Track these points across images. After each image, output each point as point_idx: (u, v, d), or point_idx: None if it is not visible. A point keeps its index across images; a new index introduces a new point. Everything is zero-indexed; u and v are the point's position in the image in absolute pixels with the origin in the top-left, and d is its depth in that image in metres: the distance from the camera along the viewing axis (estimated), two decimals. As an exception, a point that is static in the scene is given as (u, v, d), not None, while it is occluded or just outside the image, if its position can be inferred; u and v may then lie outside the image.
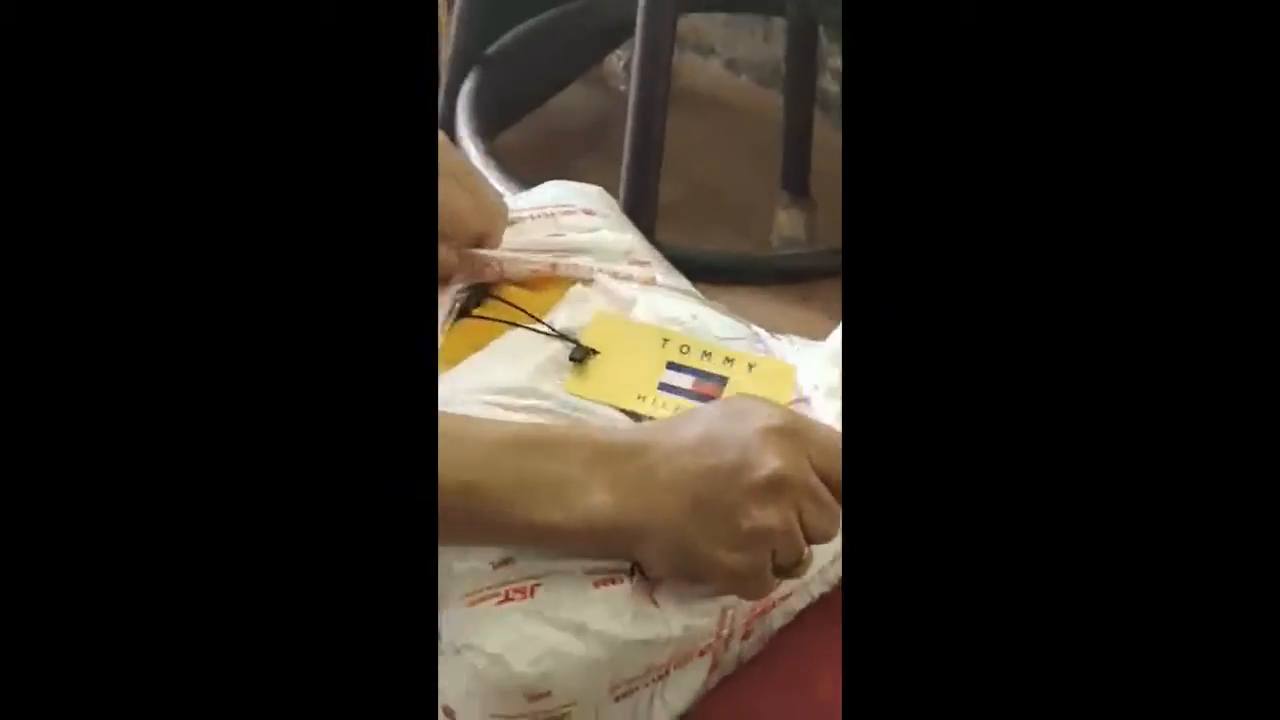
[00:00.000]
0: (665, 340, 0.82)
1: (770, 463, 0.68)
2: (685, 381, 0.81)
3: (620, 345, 0.82)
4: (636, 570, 0.73)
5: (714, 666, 0.76)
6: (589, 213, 0.92)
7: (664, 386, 0.81)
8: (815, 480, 0.69)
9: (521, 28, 1.78)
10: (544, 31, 1.81)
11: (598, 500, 0.70)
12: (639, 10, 1.40)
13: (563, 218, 0.90)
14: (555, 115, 1.98)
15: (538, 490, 0.70)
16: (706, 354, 0.82)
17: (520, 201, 0.93)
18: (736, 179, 1.88)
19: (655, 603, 0.72)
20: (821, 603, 0.78)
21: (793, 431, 0.70)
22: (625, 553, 0.72)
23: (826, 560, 0.76)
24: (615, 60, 2.20)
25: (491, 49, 1.73)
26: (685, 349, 0.82)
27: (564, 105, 2.01)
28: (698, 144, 1.87)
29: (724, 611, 0.74)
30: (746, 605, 0.74)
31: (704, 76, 2.10)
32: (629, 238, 0.92)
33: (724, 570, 0.70)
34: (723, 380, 0.81)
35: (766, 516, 0.68)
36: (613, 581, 0.72)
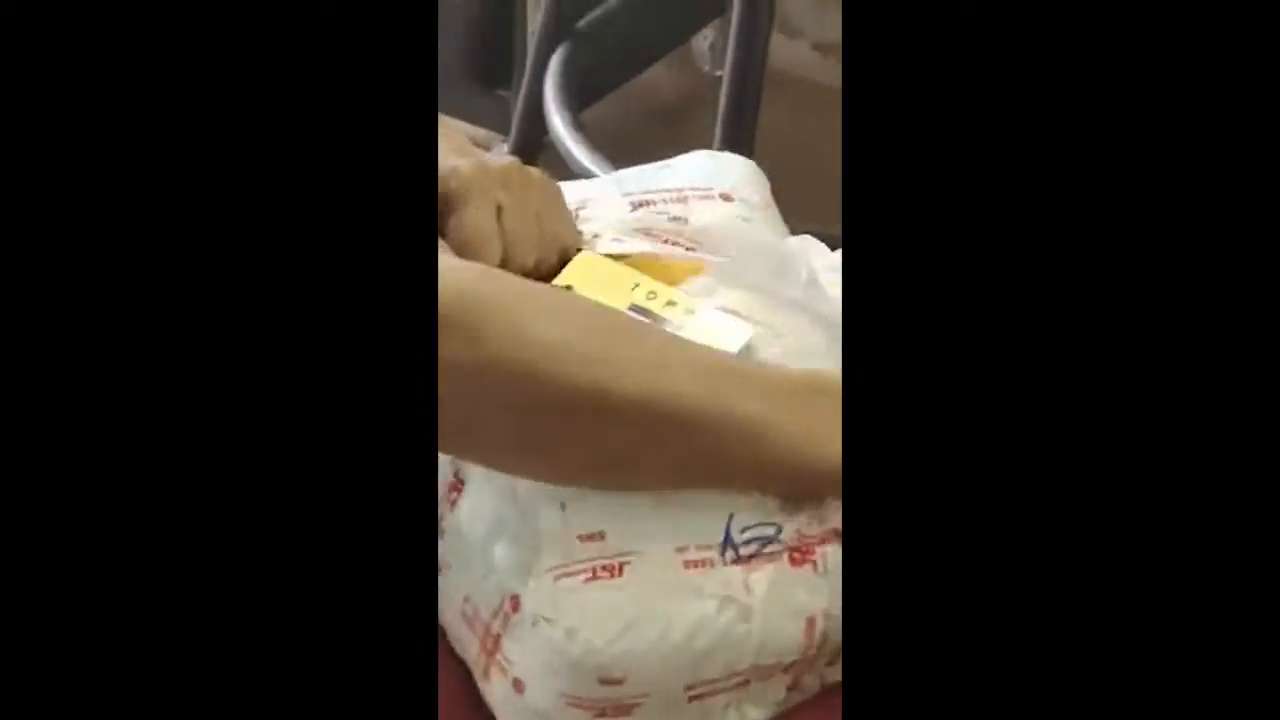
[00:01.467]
0: (636, 285, 0.81)
1: None
2: None
3: (593, 281, 0.81)
4: (729, 550, 0.72)
5: (793, 686, 0.75)
6: (726, 198, 0.89)
7: None
8: None
9: (612, 4, 1.78)
10: (635, 8, 1.80)
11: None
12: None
13: (695, 202, 0.88)
14: (639, 94, 1.97)
15: (828, 429, 0.71)
16: (671, 303, 0.81)
17: (655, 177, 0.91)
18: (823, 160, 1.87)
19: (748, 588, 0.72)
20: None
21: None
22: None
23: None
24: (702, 40, 2.19)
25: (582, 23, 1.72)
26: (652, 295, 0.81)
27: (648, 84, 2.00)
28: (784, 125, 1.85)
29: (809, 620, 0.73)
30: (837, 615, 0.73)
31: (792, 58, 2.08)
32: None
33: None
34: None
35: None
36: (704, 564, 0.72)
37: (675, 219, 0.86)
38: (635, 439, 0.70)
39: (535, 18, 1.74)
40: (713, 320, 0.79)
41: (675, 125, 1.91)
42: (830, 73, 2.07)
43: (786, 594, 0.72)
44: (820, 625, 0.73)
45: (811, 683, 0.75)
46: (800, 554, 0.73)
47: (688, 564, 0.72)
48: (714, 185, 0.89)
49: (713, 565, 0.72)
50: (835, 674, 0.75)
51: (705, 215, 0.86)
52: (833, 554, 0.73)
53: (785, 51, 2.09)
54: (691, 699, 0.72)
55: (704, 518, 0.72)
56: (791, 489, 0.73)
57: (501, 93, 1.92)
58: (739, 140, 1.42)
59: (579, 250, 0.83)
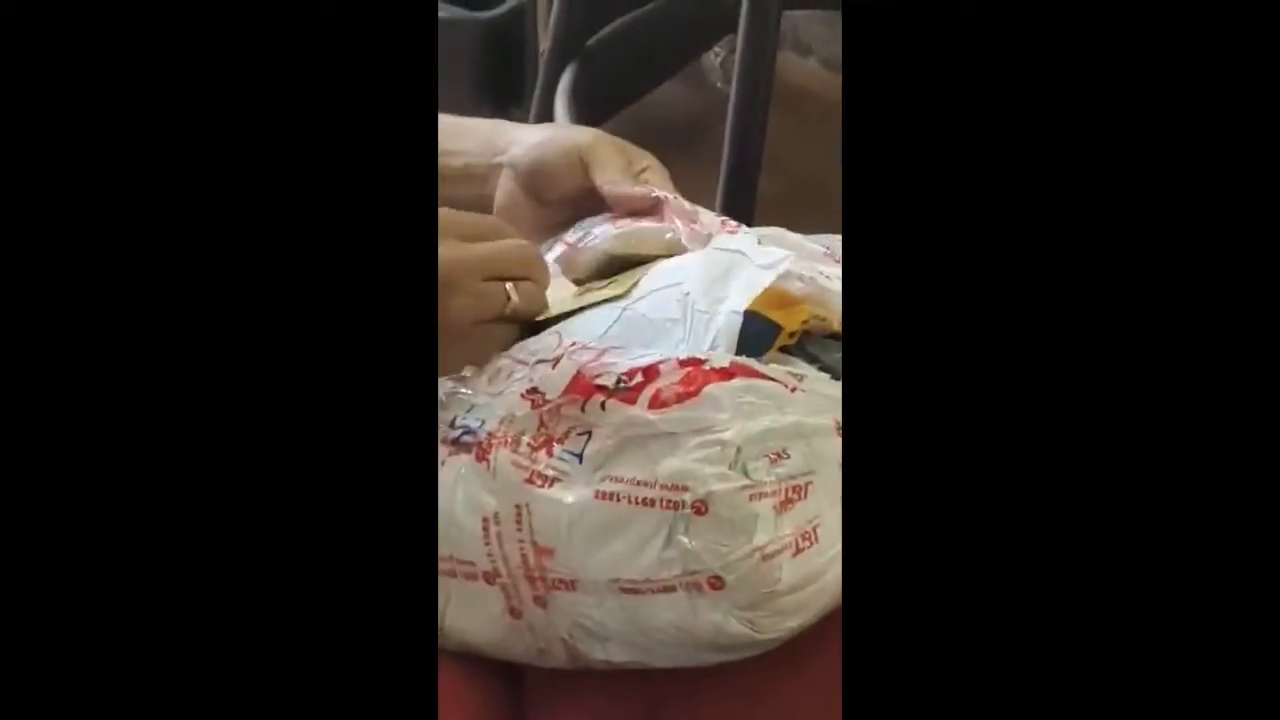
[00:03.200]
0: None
1: None
2: None
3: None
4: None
5: (511, 610, 0.73)
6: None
7: None
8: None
9: (622, 21, 1.79)
10: (645, 25, 1.81)
11: None
12: (743, 8, 1.40)
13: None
14: (651, 111, 1.98)
15: None
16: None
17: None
18: (833, 175, 1.88)
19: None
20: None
21: None
22: None
23: None
24: (713, 57, 2.20)
25: (592, 41, 1.73)
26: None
27: (660, 101, 2.01)
28: (794, 140, 1.86)
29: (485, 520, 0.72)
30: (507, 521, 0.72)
31: (802, 75, 2.09)
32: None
33: None
34: None
35: None
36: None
37: None
38: None
39: (546, 36, 1.75)
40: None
41: (686, 142, 1.91)
42: (838, 89, 2.07)
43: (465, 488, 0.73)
44: (493, 529, 0.72)
45: (536, 620, 0.73)
46: (483, 451, 0.73)
47: None
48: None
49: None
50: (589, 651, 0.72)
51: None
52: (501, 456, 0.72)
53: (796, 68, 2.10)
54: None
55: None
56: None
57: (513, 111, 1.93)
58: (747, 157, 1.42)
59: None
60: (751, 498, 0.67)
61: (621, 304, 0.79)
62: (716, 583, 0.68)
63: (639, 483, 0.69)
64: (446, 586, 0.74)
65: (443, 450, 0.74)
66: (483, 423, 0.73)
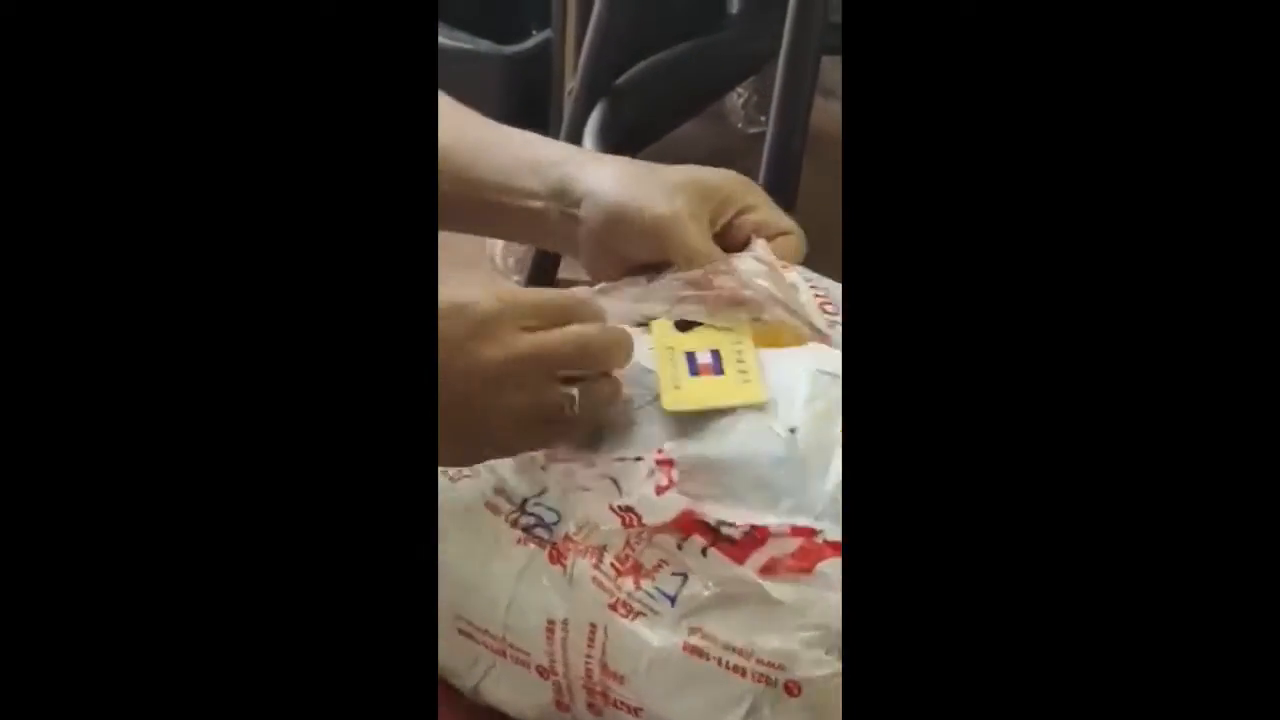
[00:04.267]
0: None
1: None
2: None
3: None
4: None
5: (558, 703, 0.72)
6: None
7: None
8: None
9: (652, 60, 1.79)
10: (674, 65, 1.81)
11: None
12: (782, 53, 1.39)
13: None
14: (675, 149, 1.98)
15: None
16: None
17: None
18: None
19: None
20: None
21: None
22: None
23: None
24: (736, 98, 2.20)
25: (621, 80, 1.73)
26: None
27: (683, 139, 2.01)
28: (823, 185, 1.86)
29: (550, 624, 0.70)
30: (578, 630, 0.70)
31: (829, 118, 2.09)
32: None
33: None
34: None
35: None
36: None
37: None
38: None
39: (574, 74, 1.75)
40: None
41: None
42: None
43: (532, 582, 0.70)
44: (559, 635, 0.70)
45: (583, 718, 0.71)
46: (558, 553, 0.70)
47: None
48: None
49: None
50: None
51: None
52: (580, 566, 0.69)
53: (823, 112, 2.10)
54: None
55: None
56: None
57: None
58: (782, 203, 1.41)
59: None
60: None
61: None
62: None
63: (733, 649, 0.66)
64: (490, 660, 0.72)
65: (508, 531, 0.71)
66: (559, 519, 0.70)
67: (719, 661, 0.67)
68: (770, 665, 0.66)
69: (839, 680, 0.65)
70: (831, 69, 2.09)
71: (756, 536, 0.67)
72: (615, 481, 0.70)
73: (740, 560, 0.67)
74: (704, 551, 0.67)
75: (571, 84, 1.76)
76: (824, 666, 0.65)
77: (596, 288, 0.78)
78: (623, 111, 1.70)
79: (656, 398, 0.71)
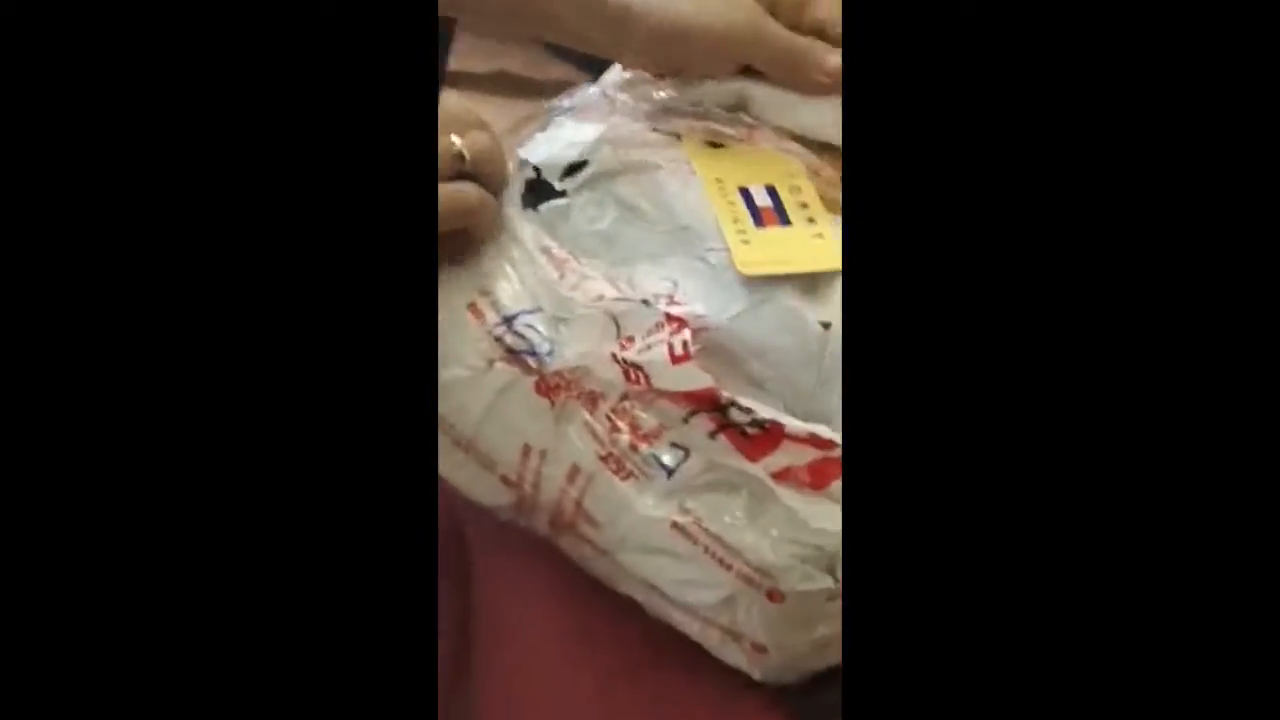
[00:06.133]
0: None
1: None
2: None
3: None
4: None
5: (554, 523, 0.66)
6: None
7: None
8: None
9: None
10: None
11: None
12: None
13: None
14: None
15: None
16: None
17: None
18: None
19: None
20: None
21: None
22: None
23: None
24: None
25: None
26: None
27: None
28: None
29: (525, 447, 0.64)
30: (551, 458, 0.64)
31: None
32: None
33: None
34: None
35: None
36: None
37: None
38: None
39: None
40: None
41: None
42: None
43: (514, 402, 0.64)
44: (535, 462, 0.65)
45: (539, 524, 0.66)
46: (548, 387, 0.64)
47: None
48: None
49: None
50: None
51: None
52: (571, 407, 0.64)
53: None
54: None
55: None
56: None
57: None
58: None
59: None
60: (829, 599, 0.63)
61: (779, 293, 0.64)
62: (759, 649, 0.64)
63: (723, 543, 0.62)
64: (446, 445, 0.65)
65: (492, 346, 0.64)
66: (551, 350, 0.64)
67: (705, 549, 0.63)
68: (756, 570, 0.62)
69: (825, 595, 0.62)
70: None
71: (770, 433, 0.62)
72: (616, 321, 0.64)
73: (751, 457, 0.62)
74: (712, 435, 0.62)
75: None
76: (812, 582, 0.62)
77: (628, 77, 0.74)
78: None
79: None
